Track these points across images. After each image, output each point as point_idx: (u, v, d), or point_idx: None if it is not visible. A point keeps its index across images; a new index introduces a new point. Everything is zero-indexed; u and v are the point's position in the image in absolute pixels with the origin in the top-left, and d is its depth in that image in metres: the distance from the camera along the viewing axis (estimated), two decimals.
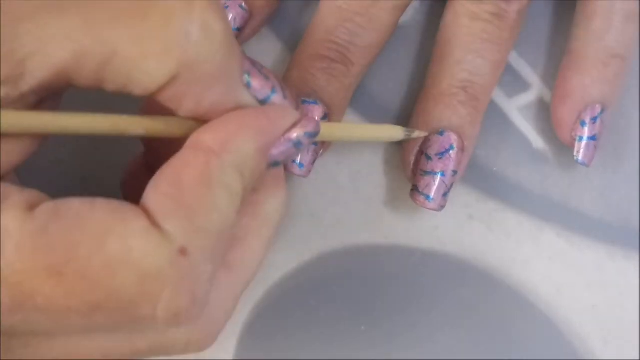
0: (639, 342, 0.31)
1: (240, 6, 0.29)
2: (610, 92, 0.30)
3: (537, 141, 0.32)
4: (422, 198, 0.29)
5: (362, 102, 0.32)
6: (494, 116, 0.32)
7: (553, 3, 0.32)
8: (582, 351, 0.31)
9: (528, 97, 0.32)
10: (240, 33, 0.30)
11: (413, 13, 0.32)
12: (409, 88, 0.32)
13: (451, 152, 0.29)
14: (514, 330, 0.31)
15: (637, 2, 0.30)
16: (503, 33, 0.29)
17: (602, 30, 0.30)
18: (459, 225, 0.31)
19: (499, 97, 0.32)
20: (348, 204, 0.31)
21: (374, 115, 0.32)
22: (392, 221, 0.31)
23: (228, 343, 0.31)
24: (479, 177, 0.32)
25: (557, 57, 0.32)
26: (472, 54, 0.29)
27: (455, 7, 0.29)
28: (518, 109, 0.32)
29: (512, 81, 0.32)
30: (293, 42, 0.31)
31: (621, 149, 0.32)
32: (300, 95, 0.29)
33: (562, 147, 0.32)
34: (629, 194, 0.32)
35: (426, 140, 0.29)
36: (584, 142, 0.30)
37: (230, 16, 0.29)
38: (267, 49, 0.32)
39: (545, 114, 0.32)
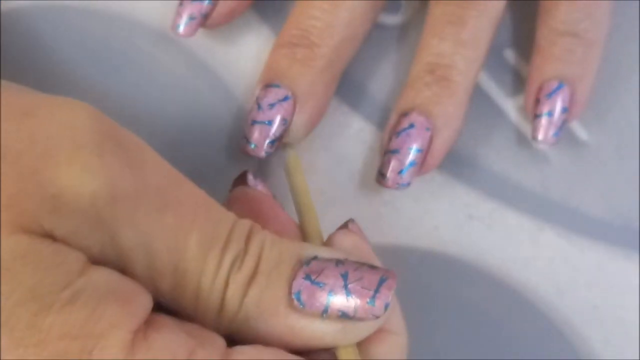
0: None
1: None
2: (562, 68, 0.30)
3: None
4: (379, 177, 0.29)
5: (363, 102, 0.32)
6: (494, 116, 0.32)
7: None
8: (582, 351, 0.31)
9: None
10: (213, 7, 0.30)
11: (413, 13, 0.32)
12: None
13: (410, 130, 0.29)
14: (514, 330, 0.31)
15: None
16: (466, 12, 0.29)
17: (547, 12, 0.30)
18: (459, 225, 0.31)
19: (498, 96, 0.32)
20: (348, 204, 0.31)
21: (375, 115, 0.32)
22: (392, 221, 0.31)
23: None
24: (479, 177, 0.32)
25: None
26: (436, 37, 0.30)
27: None
28: (518, 109, 0.32)
29: (512, 81, 0.32)
30: None
31: (621, 149, 0.32)
32: (265, 83, 0.29)
33: (563, 146, 0.32)
34: (630, 194, 0.32)
35: (394, 124, 0.29)
36: (537, 120, 0.30)
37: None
38: (261, 42, 0.32)
39: None
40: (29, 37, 0.32)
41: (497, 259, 0.31)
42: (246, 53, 0.32)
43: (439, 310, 0.31)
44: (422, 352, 0.31)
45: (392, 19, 0.33)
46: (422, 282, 0.31)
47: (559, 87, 0.30)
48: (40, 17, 0.32)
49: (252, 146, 0.29)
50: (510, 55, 0.33)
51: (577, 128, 0.32)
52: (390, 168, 0.29)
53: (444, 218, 0.31)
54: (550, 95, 0.30)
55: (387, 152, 0.29)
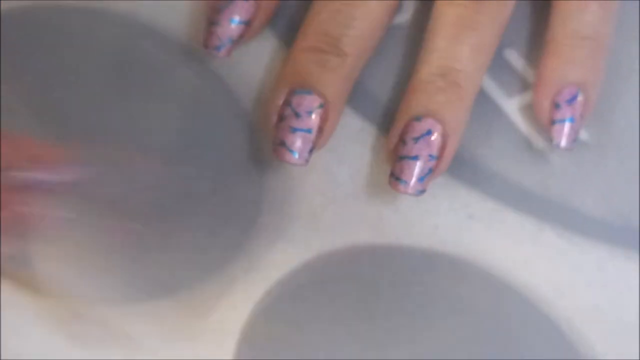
0: None
1: None
2: (583, 73, 0.30)
3: (537, 141, 0.32)
4: (396, 183, 0.29)
5: (363, 102, 0.32)
6: (494, 116, 0.32)
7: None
8: (582, 351, 0.31)
9: (528, 97, 0.32)
10: (249, 27, 0.30)
11: (413, 13, 0.32)
12: None
13: (427, 136, 0.29)
14: (514, 330, 0.31)
15: None
16: (481, 17, 0.29)
17: (567, 15, 0.30)
18: (459, 225, 0.31)
19: (499, 97, 0.32)
20: (348, 204, 0.31)
21: (375, 115, 0.32)
22: (392, 221, 0.31)
23: (228, 343, 0.31)
24: (479, 177, 0.32)
25: None
26: (448, 40, 0.29)
27: None
28: (518, 109, 0.32)
29: (512, 81, 0.32)
30: (291, 39, 0.31)
31: (621, 149, 0.32)
32: (294, 87, 0.29)
33: None
34: (630, 194, 0.32)
35: (405, 127, 0.29)
36: (558, 125, 0.30)
37: (238, 10, 0.29)
38: (264, 46, 0.32)
39: None
40: (29, 37, 0.32)
41: (497, 259, 0.31)
42: (249, 55, 0.32)
43: (439, 310, 0.31)
44: (422, 351, 0.31)
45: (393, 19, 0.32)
46: (422, 282, 0.31)
47: (578, 93, 0.29)
48: (40, 17, 0.32)
49: (295, 155, 0.29)
50: (510, 55, 0.33)
51: None
52: (411, 174, 0.29)
53: (444, 218, 0.31)
54: (571, 101, 0.29)
55: (405, 158, 0.29)
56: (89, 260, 0.31)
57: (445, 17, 0.29)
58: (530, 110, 0.32)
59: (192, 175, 0.32)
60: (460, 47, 0.29)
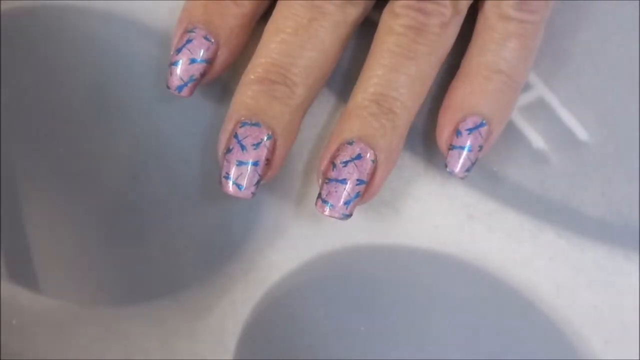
0: (639, 343, 0.31)
1: (205, 37, 0.29)
2: (491, 107, 0.29)
3: (537, 141, 0.32)
4: (322, 205, 0.29)
5: None
6: None
7: (552, 3, 0.32)
8: (582, 351, 0.31)
9: (528, 97, 0.32)
10: (211, 65, 0.30)
11: None
12: None
13: (357, 160, 0.28)
14: (514, 330, 0.31)
15: (527, 23, 0.29)
16: (420, 47, 0.29)
17: (486, 46, 0.30)
18: (459, 225, 0.31)
19: None
20: None
21: None
22: (392, 221, 0.31)
23: (228, 343, 0.31)
24: (479, 177, 0.32)
25: (557, 58, 0.32)
26: (384, 68, 0.29)
27: (379, 22, 0.30)
28: (518, 109, 0.32)
29: None
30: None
31: (621, 148, 0.32)
32: (242, 119, 0.29)
33: (562, 147, 0.32)
34: (630, 194, 0.32)
35: (337, 150, 0.29)
36: (455, 151, 0.29)
37: (197, 49, 0.29)
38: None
39: (545, 114, 0.32)
40: (29, 37, 0.32)
41: (497, 259, 0.31)
42: (244, 54, 0.32)
43: (439, 310, 0.31)
44: (422, 351, 0.31)
45: None
46: (422, 282, 0.31)
47: (481, 125, 0.29)
48: (40, 17, 0.32)
49: (240, 188, 0.28)
50: None
51: (577, 128, 0.32)
52: (338, 197, 0.28)
53: (444, 218, 0.31)
54: (472, 130, 0.29)
55: (333, 180, 0.29)
56: (89, 261, 0.31)
57: (385, 45, 0.29)
58: (529, 111, 0.32)
59: (192, 174, 0.32)
60: (397, 76, 0.29)
